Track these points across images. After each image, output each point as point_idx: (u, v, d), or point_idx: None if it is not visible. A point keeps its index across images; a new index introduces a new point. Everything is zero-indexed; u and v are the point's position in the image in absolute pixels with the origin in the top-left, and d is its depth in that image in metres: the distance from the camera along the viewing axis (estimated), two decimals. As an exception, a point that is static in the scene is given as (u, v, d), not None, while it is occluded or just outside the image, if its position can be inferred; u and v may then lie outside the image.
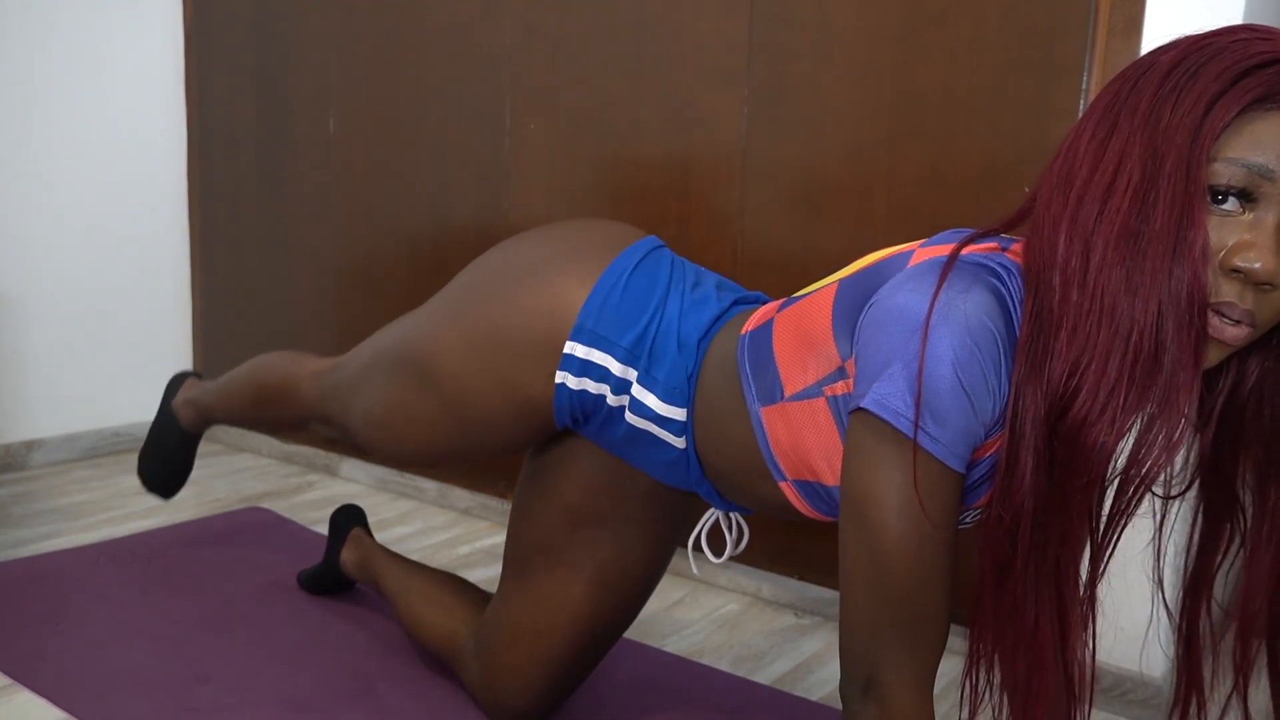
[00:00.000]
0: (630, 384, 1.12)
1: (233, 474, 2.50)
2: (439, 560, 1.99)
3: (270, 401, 1.53)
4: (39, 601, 1.68)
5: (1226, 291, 0.75)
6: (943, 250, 0.86)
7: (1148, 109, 0.76)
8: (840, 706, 1.22)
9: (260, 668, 1.50)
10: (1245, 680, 0.91)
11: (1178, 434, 0.75)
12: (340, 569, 1.70)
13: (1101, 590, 0.88)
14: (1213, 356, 0.77)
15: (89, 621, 1.62)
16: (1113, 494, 0.81)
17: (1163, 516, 0.88)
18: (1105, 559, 0.85)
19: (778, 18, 1.75)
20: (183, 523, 2.09)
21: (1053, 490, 0.79)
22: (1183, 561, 0.94)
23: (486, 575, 1.91)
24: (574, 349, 1.12)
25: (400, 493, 2.39)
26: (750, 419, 1.02)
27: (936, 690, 1.56)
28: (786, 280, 1.77)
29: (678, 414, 1.10)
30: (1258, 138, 0.73)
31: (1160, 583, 0.92)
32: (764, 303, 1.19)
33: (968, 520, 0.94)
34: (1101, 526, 0.84)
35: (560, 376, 1.14)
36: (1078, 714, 0.89)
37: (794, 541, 1.84)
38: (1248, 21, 1.38)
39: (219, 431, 2.75)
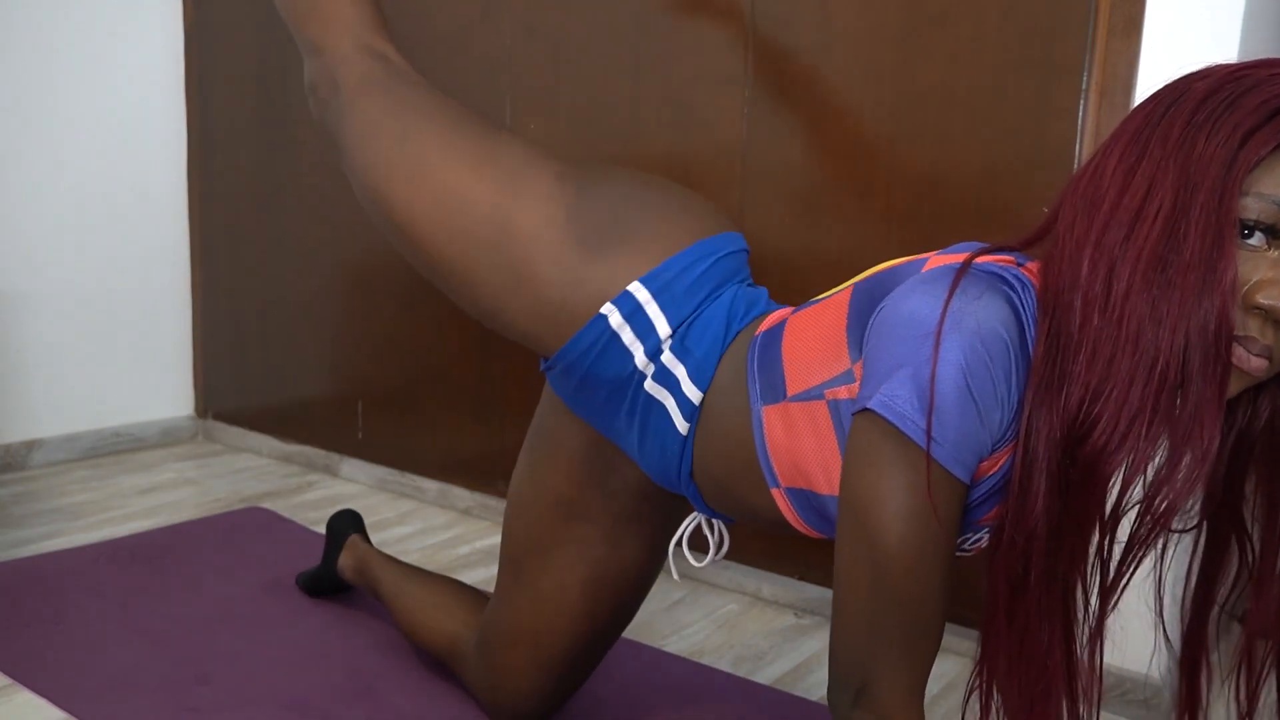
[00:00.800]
0: (663, 351, 1.07)
1: (233, 474, 2.50)
2: (439, 560, 1.99)
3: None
4: (39, 601, 1.68)
5: (1249, 327, 0.75)
6: (957, 259, 0.85)
7: (1180, 136, 0.75)
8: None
9: (260, 668, 1.50)
10: (1251, 714, 0.90)
11: (1202, 466, 0.74)
12: (338, 574, 1.70)
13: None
14: (1234, 387, 0.77)
15: (89, 621, 1.62)
16: (1131, 524, 0.80)
17: (1164, 545, 0.88)
18: (1119, 591, 0.84)
19: (778, 18, 1.75)
20: (183, 523, 2.09)
21: (1066, 514, 0.78)
22: (1181, 592, 0.93)
23: (487, 575, 1.91)
24: (638, 290, 1.07)
25: (400, 493, 2.39)
26: (751, 416, 1.00)
27: (935, 691, 1.56)
28: (786, 280, 1.77)
29: (695, 395, 1.06)
30: None
31: (1160, 613, 0.92)
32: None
33: (976, 541, 0.93)
34: (1116, 558, 0.83)
35: (607, 308, 1.07)
36: None
37: (794, 541, 1.84)
38: (1247, 21, 1.39)
39: (219, 431, 2.75)
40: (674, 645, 1.68)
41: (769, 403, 0.98)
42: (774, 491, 0.99)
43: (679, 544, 1.26)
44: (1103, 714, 1.54)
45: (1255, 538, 0.89)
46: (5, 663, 1.48)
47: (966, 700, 0.85)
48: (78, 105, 2.46)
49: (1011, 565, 0.80)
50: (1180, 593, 0.94)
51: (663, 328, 1.07)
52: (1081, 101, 1.49)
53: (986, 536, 0.90)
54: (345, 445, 2.50)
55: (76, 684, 1.43)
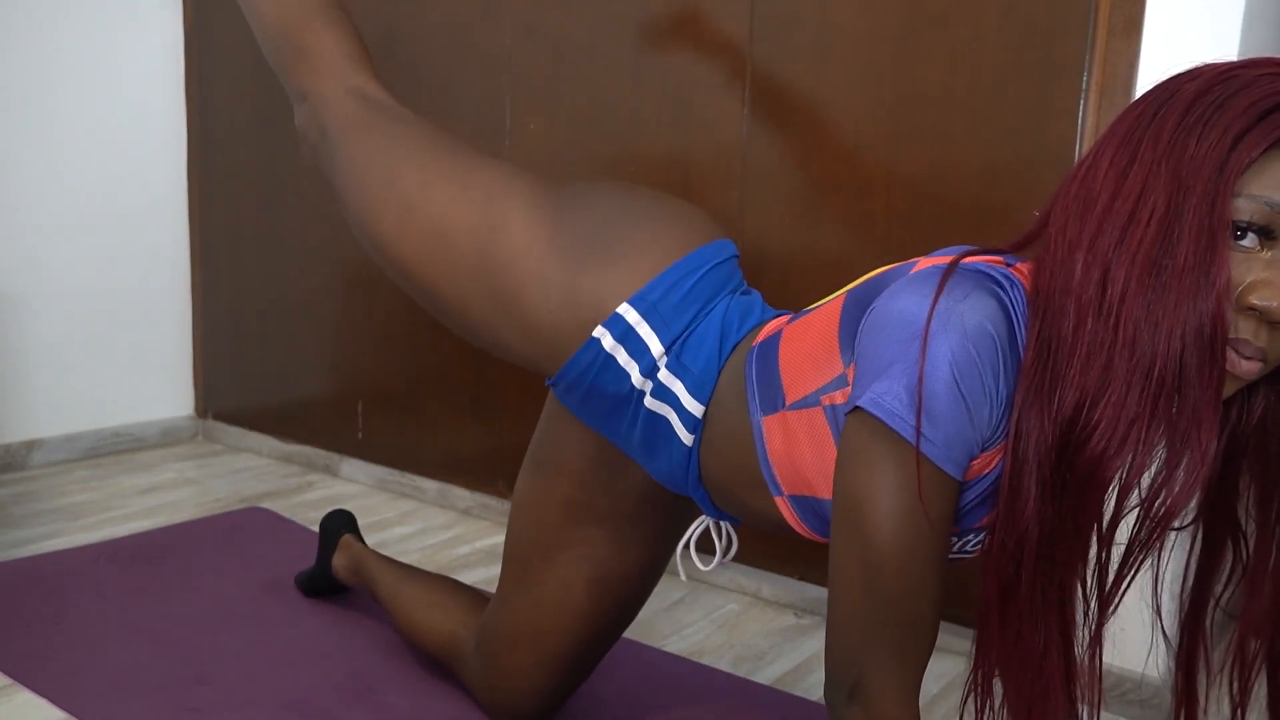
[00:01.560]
0: (659, 369, 1.08)
1: (233, 474, 2.50)
2: (439, 560, 2.00)
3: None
4: (39, 601, 1.68)
5: (1242, 329, 0.75)
6: (946, 261, 0.85)
7: (1171, 139, 0.75)
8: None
9: (260, 668, 1.50)
10: (1244, 709, 0.90)
11: (1200, 469, 0.74)
12: (333, 575, 1.69)
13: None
14: (1227, 389, 0.76)
15: (89, 621, 1.62)
16: (1131, 528, 0.80)
17: (1161, 544, 0.88)
18: (1120, 594, 0.84)
19: (778, 18, 1.75)
20: (183, 523, 2.09)
21: (1063, 519, 0.78)
22: (1179, 588, 0.93)
23: (486, 575, 1.91)
24: (627, 312, 1.07)
25: (400, 493, 2.39)
26: (751, 428, 1.01)
27: (935, 691, 1.56)
28: (786, 280, 1.77)
29: (697, 409, 1.07)
30: None
31: (1159, 611, 0.92)
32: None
33: (977, 544, 0.93)
34: (1115, 561, 0.83)
35: (599, 332, 1.08)
36: None
37: (794, 541, 1.84)
38: (1247, 21, 1.39)
39: (219, 431, 2.75)
40: (674, 645, 1.68)
41: (768, 413, 0.98)
42: (777, 500, 1.00)
43: (687, 547, 1.26)
44: (1102, 714, 1.54)
45: (1249, 535, 0.89)
46: (5, 663, 1.48)
47: (964, 701, 0.85)
48: (78, 106, 2.46)
49: (1003, 568, 0.80)
50: (1178, 591, 0.94)
51: (655, 347, 1.07)
52: (1081, 101, 1.49)
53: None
54: (345, 445, 2.50)
55: (76, 684, 1.43)
